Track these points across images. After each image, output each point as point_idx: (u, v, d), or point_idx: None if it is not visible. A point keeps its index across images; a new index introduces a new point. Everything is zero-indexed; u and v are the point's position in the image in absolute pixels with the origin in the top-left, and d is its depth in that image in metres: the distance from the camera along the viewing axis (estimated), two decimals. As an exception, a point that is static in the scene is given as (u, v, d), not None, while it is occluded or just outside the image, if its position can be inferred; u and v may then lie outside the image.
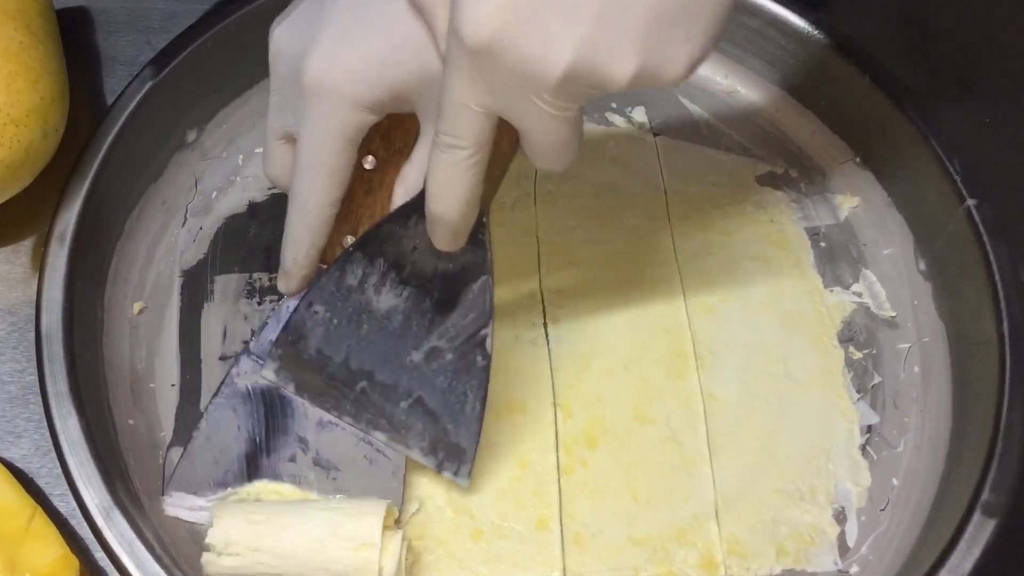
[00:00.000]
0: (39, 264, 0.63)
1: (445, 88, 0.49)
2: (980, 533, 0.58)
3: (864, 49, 0.72)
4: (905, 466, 0.65)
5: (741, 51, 0.77)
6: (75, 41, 0.71)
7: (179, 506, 0.61)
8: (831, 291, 0.70)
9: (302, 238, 0.59)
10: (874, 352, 0.68)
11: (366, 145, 0.58)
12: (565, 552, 0.61)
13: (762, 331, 0.68)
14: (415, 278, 0.58)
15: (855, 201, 0.73)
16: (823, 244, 0.72)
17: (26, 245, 0.68)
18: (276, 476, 0.61)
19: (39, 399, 0.60)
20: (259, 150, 0.74)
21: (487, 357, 0.58)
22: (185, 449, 0.62)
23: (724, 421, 0.65)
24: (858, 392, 0.67)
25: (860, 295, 0.70)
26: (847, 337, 0.69)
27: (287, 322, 0.60)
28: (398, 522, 0.60)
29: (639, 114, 0.76)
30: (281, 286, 0.62)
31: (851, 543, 0.62)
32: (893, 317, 0.69)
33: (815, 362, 0.67)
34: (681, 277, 0.69)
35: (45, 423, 0.59)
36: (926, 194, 0.69)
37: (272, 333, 0.61)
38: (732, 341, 0.68)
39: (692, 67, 0.47)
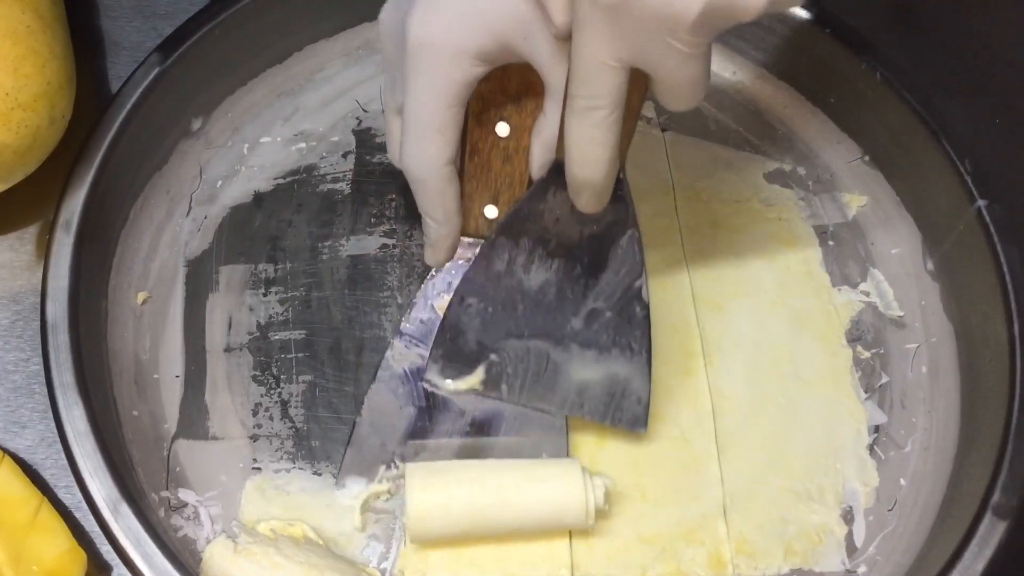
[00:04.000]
0: (44, 252, 0.63)
1: (578, 48, 0.49)
2: (991, 535, 0.58)
3: (875, 47, 0.72)
4: (913, 466, 0.65)
5: (750, 47, 0.76)
6: (80, 26, 0.70)
7: (353, 493, 0.62)
8: (839, 290, 0.70)
9: (431, 205, 0.59)
10: (882, 352, 0.68)
11: (498, 112, 0.58)
12: (573, 550, 0.61)
13: (770, 329, 0.68)
14: (562, 248, 0.58)
15: (863, 200, 0.73)
16: (831, 243, 0.72)
17: (30, 232, 0.67)
18: (440, 452, 0.62)
19: (44, 389, 0.60)
20: (264, 139, 0.73)
21: (645, 307, 0.59)
22: (351, 437, 0.63)
23: (732, 420, 0.65)
24: (866, 392, 0.67)
25: (868, 294, 0.70)
26: (855, 336, 0.69)
27: (442, 322, 0.61)
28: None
29: (647, 109, 0.76)
30: (428, 258, 0.63)
31: (859, 543, 0.62)
32: (901, 317, 0.69)
33: (823, 361, 0.67)
34: (689, 274, 0.69)
35: (50, 413, 0.59)
36: (935, 194, 0.69)
37: (421, 312, 0.63)
38: (740, 339, 0.68)
39: None
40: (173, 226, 0.70)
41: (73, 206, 0.63)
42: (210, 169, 0.72)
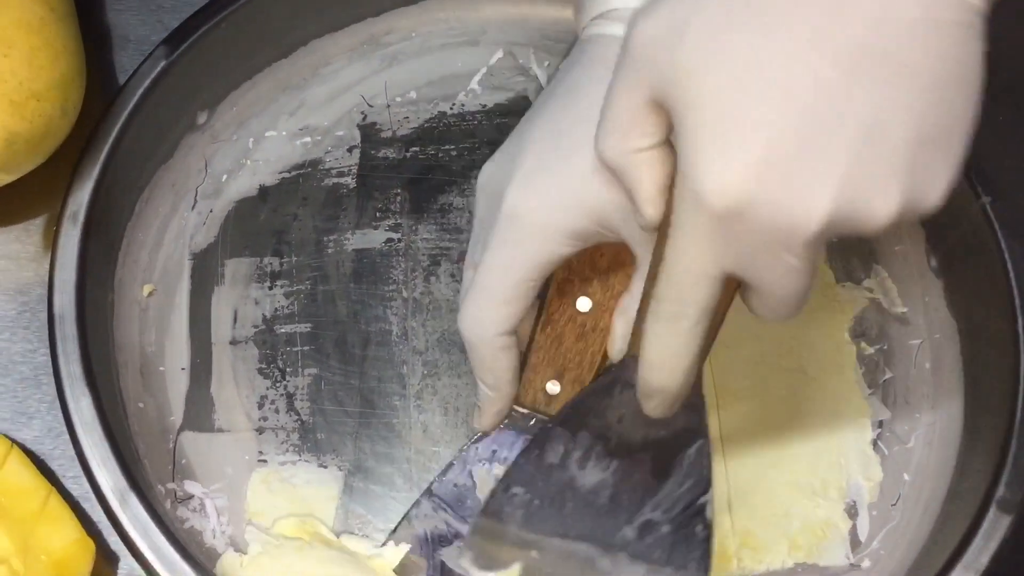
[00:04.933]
0: (50, 244, 0.63)
1: (674, 255, 0.44)
2: (995, 529, 0.58)
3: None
4: (916, 461, 0.65)
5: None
6: (87, 20, 0.70)
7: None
8: (843, 286, 0.70)
9: (482, 370, 0.56)
10: (886, 348, 0.68)
11: (582, 286, 0.56)
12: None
13: (774, 324, 0.68)
14: (623, 449, 0.53)
15: (867, 197, 0.73)
16: (835, 239, 0.72)
17: (37, 224, 0.67)
18: None
19: (51, 380, 0.60)
20: (270, 133, 0.73)
21: (708, 527, 0.53)
22: None
23: (736, 414, 0.65)
24: (869, 387, 0.67)
25: (871, 291, 0.70)
26: (859, 332, 0.69)
27: (483, 508, 0.55)
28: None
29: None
30: (476, 422, 0.59)
31: (863, 537, 0.63)
32: (904, 313, 0.69)
33: (827, 357, 0.67)
34: (693, 270, 0.69)
35: (58, 404, 0.59)
36: (939, 191, 0.69)
37: (458, 475, 0.59)
38: (744, 333, 0.67)
39: (950, 191, 0.43)
40: (179, 219, 0.70)
41: (80, 198, 0.63)
42: (215, 163, 0.72)
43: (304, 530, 0.59)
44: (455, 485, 0.59)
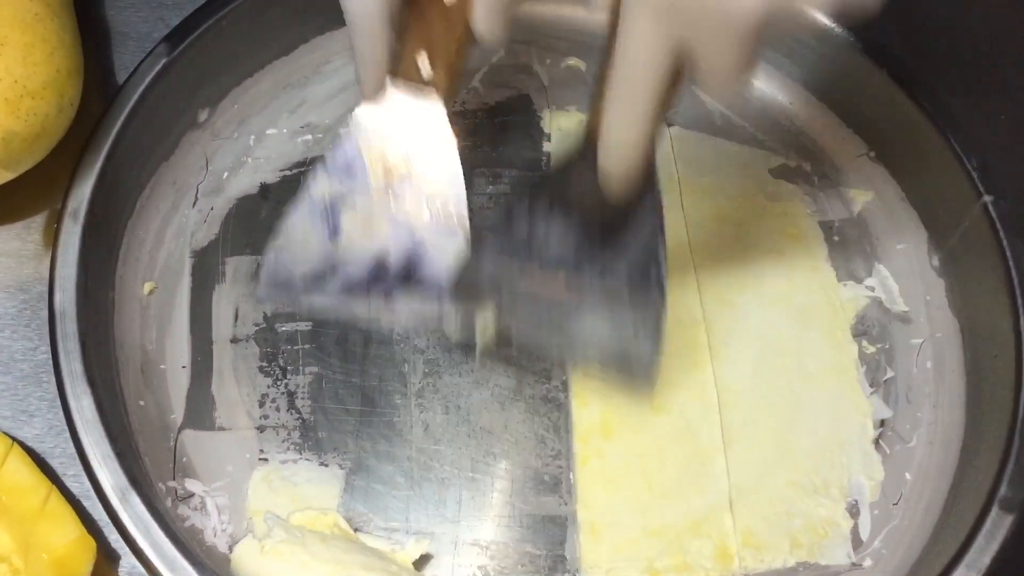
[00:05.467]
0: (51, 241, 0.63)
1: (628, 38, 0.48)
2: (998, 528, 0.58)
3: (880, 43, 0.72)
4: (918, 461, 0.65)
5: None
6: (87, 16, 0.70)
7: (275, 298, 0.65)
8: (844, 285, 0.70)
9: (360, 43, 0.58)
10: (887, 347, 0.68)
11: None
12: (580, 543, 0.61)
13: (776, 324, 0.68)
14: (584, 208, 0.58)
15: (868, 195, 0.73)
16: (836, 238, 0.72)
17: (37, 221, 0.67)
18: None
19: (52, 378, 0.60)
20: (271, 131, 0.73)
21: (660, 267, 0.58)
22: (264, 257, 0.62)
23: (738, 413, 0.65)
24: (871, 386, 0.67)
25: (873, 289, 0.70)
26: (860, 331, 0.69)
27: (461, 268, 0.60)
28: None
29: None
30: (361, 93, 0.61)
31: (864, 537, 0.63)
32: (906, 312, 0.69)
33: (829, 356, 0.67)
34: (695, 269, 0.69)
35: (58, 402, 0.59)
36: (941, 189, 0.69)
37: (344, 151, 0.61)
38: (746, 333, 0.68)
39: None
40: (179, 217, 0.70)
41: (81, 195, 0.63)
42: (216, 160, 0.72)
43: (325, 523, 0.59)
44: (345, 157, 0.61)
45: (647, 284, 0.58)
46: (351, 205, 0.61)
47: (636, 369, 0.61)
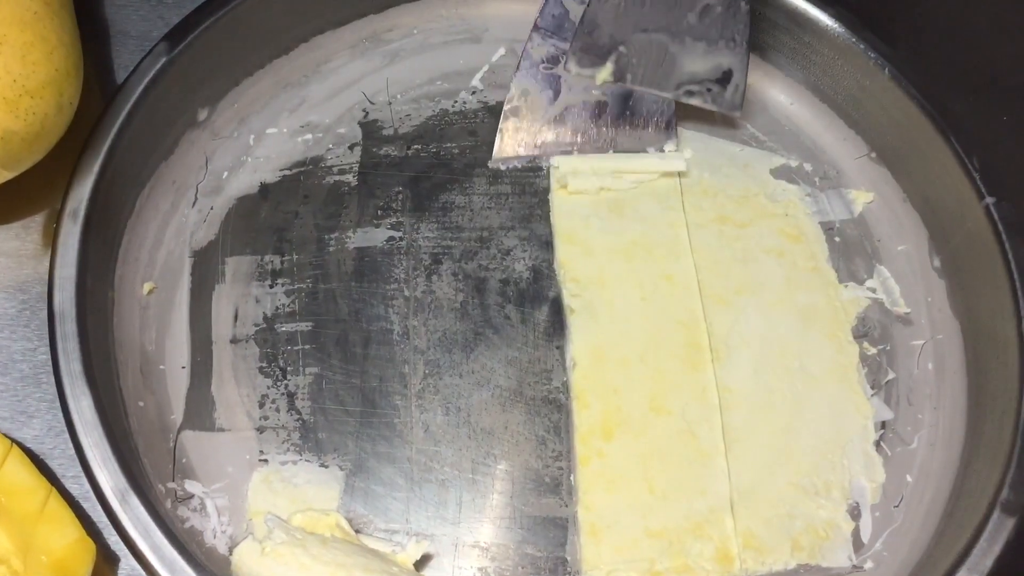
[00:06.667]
0: (50, 241, 0.62)
1: None
2: (999, 531, 0.58)
3: (882, 43, 0.72)
4: (919, 463, 0.65)
5: (757, 44, 0.76)
6: (86, 15, 0.70)
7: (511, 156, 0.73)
8: (845, 286, 0.70)
9: None
10: (888, 348, 0.68)
11: None
12: (580, 544, 0.61)
13: (777, 324, 0.68)
14: None
15: (869, 196, 0.73)
16: (837, 239, 0.72)
17: (36, 221, 0.66)
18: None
19: (51, 379, 0.59)
20: (271, 130, 0.73)
21: (748, 2, 0.70)
22: (501, 120, 0.73)
23: (739, 414, 0.65)
24: (872, 388, 0.67)
25: (874, 291, 0.70)
26: (861, 332, 0.69)
27: (582, 18, 0.70)
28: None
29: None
30: None
31: (865, 539, 0.63)
32: (907, 314, 0.69)
33: (830, 357, 0.67)
34: (696, 269, 0.69)
35: (58, 403, 0.59)
36: (942, 191, 0.69)
37: (554, 8, 0.72)
38: (747, 334, 0.68)
39: None
40: (179, 217, 0.69)
41: (80, 195, 0.63)
42: (216, 160, 0.72)
43: (326, 523, 0.59)
44: (553, 16, 0.72)
45: (736, 21, 0.70)
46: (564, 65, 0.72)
47: (727, 100, 0.72)
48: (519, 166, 0.73)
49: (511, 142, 0.73)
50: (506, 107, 0.72)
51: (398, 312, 0.67)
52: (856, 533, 0.63)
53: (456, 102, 0.74)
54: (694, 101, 0.72)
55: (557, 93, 0.72)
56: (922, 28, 0.75)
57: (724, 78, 0.72)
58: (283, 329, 0.67)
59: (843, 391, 0.66)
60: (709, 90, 0.72)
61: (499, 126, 0.72)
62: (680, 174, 0.72)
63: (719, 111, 0.73)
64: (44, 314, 0.61)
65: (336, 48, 0.75)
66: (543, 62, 0.72)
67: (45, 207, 0.67)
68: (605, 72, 0.72)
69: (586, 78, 0.72)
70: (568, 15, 0.72)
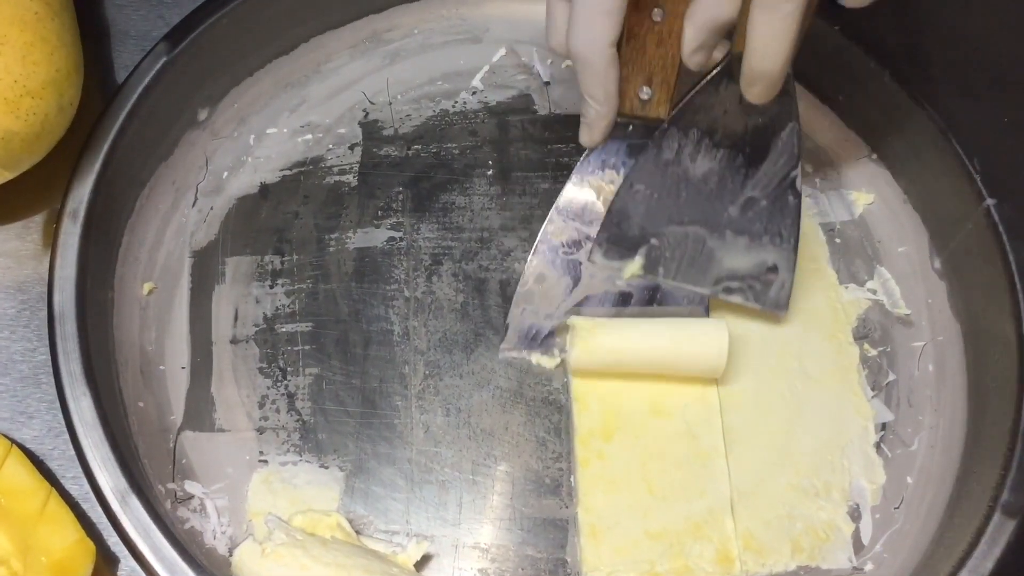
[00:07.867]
0: (50, 241, 0.62)
1: None
2: (1000, 533, 0.58)
3: (883, 45, 0.72)
4: (920, 464, 0.65)
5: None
6: (87, 15, 0.70)
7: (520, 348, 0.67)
8: (846, 287, 0.70)
9: (593, 85, 0.61)
10: (889, 350, 0.68)
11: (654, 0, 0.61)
12: (581, 546, 0.61)
13: (777, 326, 0.68)
14: (727, 139, 0.63)
15: (870, 198, 0.73)
16: (838, 240, 0.72)
17: (36, 221, 0.66)
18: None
19: (51, 379, 0.59)
20: (271, 130, 0.73)
21: (798, 195, 0.64)
22: (512, 307, 0.67)
23: (740, 416, 0.65)
24: (873, 389, 0.67)
25: (875, 292, 0.70)
26: (862, 334, 0.69)
27: (610, 207, 0.65)
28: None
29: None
30: (584, 139, 0.65)
31: (866, 540, 0.63)
32: (908, 315, 0.69)
33: (830, 358, 0.67)
34: (696, 270, 0.69)
35: (57, 404, 0.59)
36: (943, 192, 0.69)
37: (577, 190, 0.66)
38: (748, 335, 0.67)
39: None
40: (179, 217, 0.69)
41: (80, 195, 0.63)
42: (216, 160, 0.72)
43: (327, 524, 0.59)
44: (577, 198, 0.66)
45: (783, 216, 0.64)
46: (587, 250, 0.67)
47: (771, 299, 0.66)
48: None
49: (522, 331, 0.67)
50: (520, 290, 0.67)
51: (398, 313, 0.67)
52: (856, 535, 0.63)
53: (456, 102, 0.74)
54: (734, 299, 0.66)
55: (577, 281, 0.67)
56: (922, 29, 0.74)
57: (768, 275, 0.66)
58: (283, 329, 0.67)
59: (843, 392, 0.66)
60: (752, 287, 0.66)
61: (509, 311, 0.67)
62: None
63: (762, 310, 0.67)
64: (44, 314, 0.61)
65: (336, 48, 0.75)
66: (563, 247, 0.67)
67: (45, 207, 0.66)
68: (635, 266, 0.66)
69: (613, 270, 0.67)
70: (596, 198, 0.67)
